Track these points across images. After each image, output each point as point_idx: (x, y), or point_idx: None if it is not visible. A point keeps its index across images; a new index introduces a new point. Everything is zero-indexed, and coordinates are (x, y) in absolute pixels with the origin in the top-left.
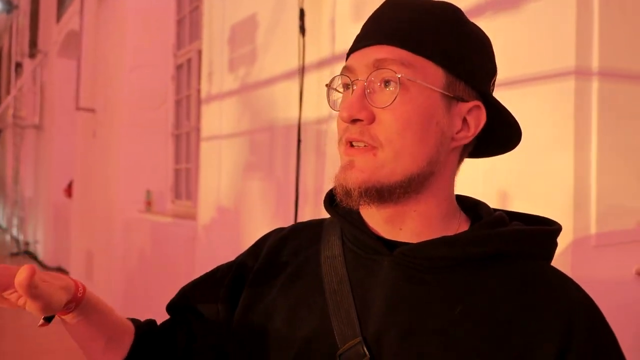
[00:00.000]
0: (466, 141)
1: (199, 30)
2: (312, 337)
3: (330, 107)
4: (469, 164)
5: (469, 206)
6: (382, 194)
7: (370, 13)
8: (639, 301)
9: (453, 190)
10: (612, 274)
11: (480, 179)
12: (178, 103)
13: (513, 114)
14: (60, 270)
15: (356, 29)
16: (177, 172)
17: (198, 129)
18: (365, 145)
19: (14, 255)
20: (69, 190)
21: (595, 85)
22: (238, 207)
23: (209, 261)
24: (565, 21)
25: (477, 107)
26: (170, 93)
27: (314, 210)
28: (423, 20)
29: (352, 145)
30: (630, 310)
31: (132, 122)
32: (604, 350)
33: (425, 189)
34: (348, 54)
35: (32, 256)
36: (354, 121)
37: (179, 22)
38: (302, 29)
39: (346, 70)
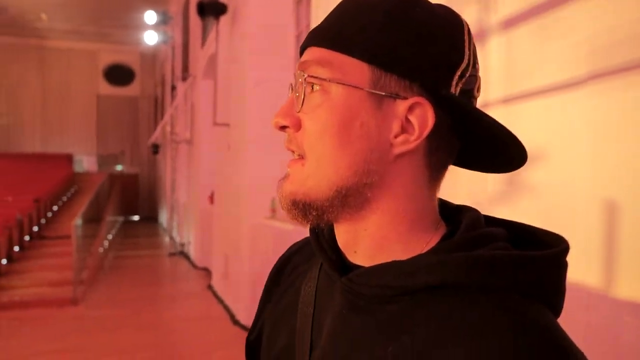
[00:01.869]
0: (410, 146)
1: None
2: (282, 355)
3: None
4: (570, 165)
5: (459, 220)
6: (315, 210)
7: None
8: None
9: (421, 204)
10: None
11: (582, 184)
12: None
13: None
14: (206, 270)
15: None
16: None
17: None
18: (297, 155)
19: (171, 255)
20: (212, 198)
21: None
22: None
23: None
24: None
25: (419, 104)
26: None
27: None
28: (350, 14)
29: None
30: None
31: (258, 134)
32: None
33: (369, 204)
34: None
35: (186, 256)
36: (283, 128)
37: (298, 37)
38: None
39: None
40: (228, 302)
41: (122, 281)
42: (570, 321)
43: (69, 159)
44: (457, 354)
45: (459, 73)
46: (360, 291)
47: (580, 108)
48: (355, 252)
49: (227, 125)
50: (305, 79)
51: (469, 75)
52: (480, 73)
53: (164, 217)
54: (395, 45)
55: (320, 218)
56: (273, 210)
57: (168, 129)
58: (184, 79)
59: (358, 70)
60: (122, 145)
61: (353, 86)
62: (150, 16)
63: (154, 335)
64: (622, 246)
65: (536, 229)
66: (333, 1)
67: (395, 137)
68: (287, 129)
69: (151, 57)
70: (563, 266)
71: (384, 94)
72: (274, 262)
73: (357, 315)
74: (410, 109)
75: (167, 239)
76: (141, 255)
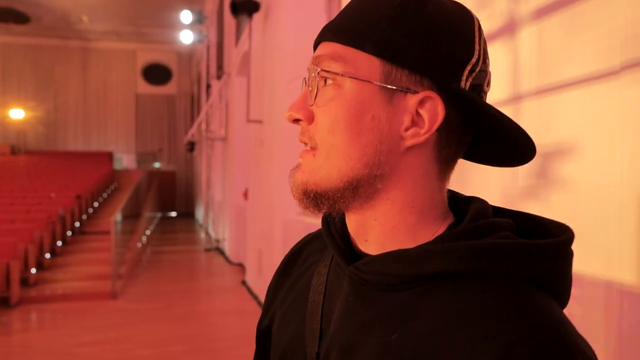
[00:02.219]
0: (420, 139)
1: None
2: (291, 344)
3: None
4: (602, 159)
5: (467, 211)
6: (326, 200)
7: None
8: None
9: (430, 197)
10: None
11: (615, 179)
12: None
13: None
14: (240, 265)
15: None
16: None
17: None
18: (309, 147)
19: (207, 250)
20: (246, 194)
21: None
22: None
23: None
24: None
25: (429, 98)
26: None
27: None
28: (364, 10)
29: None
30: None
31: (289, 130)
32: None
33: (379, 195)
34: None
35: (221, 252)
36: (296, 121)
37: None
38: None
39: (307, 72)
40: (262, 297)
41: (159, 276)
42: (604, 319)
43: (109, 156)
44: (460, 339)
45: (469, 68)
46: (366, 278)
47: (615, 99)
48: (366, 240)
49: (260, 122)
50: (318, 73)
51: (479, 70)
52: (511, 65)
53: (200, 213)
54: (406, 40)
55: (332, 207)
56: None
57: (203, 126)
58: (219, 77)
59: (370, 64)
60: (160, 143)
61: (365, 80)
62: (186, 15)
63: (190, 328)
64: None
65: (543, 219)
66: None
67: (406, 130)
68: (300, 122)
69: (187, 56)
70: (568, 255)
71: (395, 88)
72: None
73: (364, 302)
74: (421, 103)
75: (203, 235)
76: (178, 251)
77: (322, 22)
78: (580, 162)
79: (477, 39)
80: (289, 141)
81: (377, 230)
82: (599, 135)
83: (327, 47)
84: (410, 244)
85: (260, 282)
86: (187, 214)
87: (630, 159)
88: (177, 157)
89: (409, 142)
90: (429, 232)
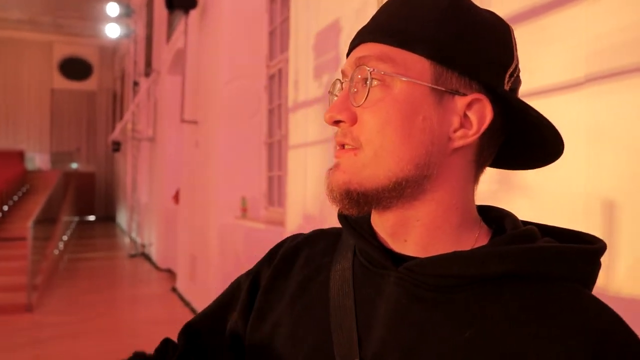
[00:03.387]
0: (468, 140)
1: (289, 40)
2: (313, 355)
3: None
4: (566, 166)
5: (494, 218)
6: (368, 199)
7: None
8: None
9: (468, 199)
10: None
11: (579, 184)
12: (271, 112)
13: (542, 112)
14: (169, 271)
15: None
16: (270, 180)
17: (287, 137)
18: (350, 147)
19: (132, 256)
20: (176, 197)
21: None
22: (323, 213)
23: None
24: None
25: (478, 100)
26: (264, 102)
27: None
28: (410, 11)
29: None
30: None
31: (229, 132)
32: None
33: (424, 195)
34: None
35: (147, 258)
36: (337, 122)
37: (271, 33)
38: None
39: (342, 74)
40: (195, 304)
41: (80, 285)
42: None
43: (20, 155)
44: (551, 330)
45: (509, 72)
46: (424, 281)
47: (579, 109)
48: (405, 240)
49: (195, 122)
50: (370, 73)
51: (517, 75)
52: None
53: (122, 217)
54: (456, 43)
55: (370, 206)
56: (244, 210)
57: (129, 126)
58: (147, 74)
59: (420, 66)
60: (78, 143)
61: (416, 82)
62: (112, 8)
63: (117, 342)
64: (620, 244)
65: (561, 228)
66: None
67: (454, 131)
68: (342, 124)
69: (110, 51)
70: (600, 262)
71: (444, 89)
72: (246, 262)
73: (421, 304)
74: (469, 105)
75: (126, 240)
76: (99, 257)
77: (263, 23)
78: (543, 169)
79: (514, 46)
80: (226, 143)
81: (419, 231)
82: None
83: (372, 48)
84: (454, 246)
85: (194, 288)
86: (107, 218)
87: (594, 167)
88: (96, 158)
89: (457, 144)
90: (471, 235)
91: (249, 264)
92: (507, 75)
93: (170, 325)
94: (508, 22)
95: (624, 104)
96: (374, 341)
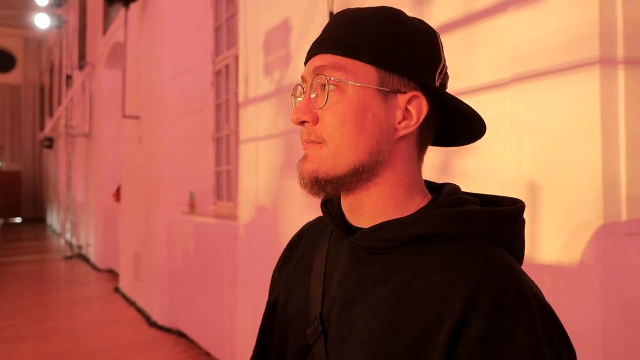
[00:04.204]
0: (410, 129)
1: (236, 36)
2: (296, 311)
3: None
4: (496, 153)
5: (441, 192)
6: (332, 184)
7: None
8: None
9: (413, 175)
10: None
11: (508, 169)
12: (218, 107)
13: (468, 103)
14: (111, 271)
15: None
16: (218, 174)
17: (237, 132)
18: (315, 142)
19: (68, 258)
20: (117, 195)
21: (621, 73)
22: (275, 205)
23: (250, 258)
24: (588, 11)
25: (416, 97)
26: (210, 98)
27: None
28: (355, 26)
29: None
30: None
31: (175, 127)
32: (506, 326)
33: (376, 177)
34: (305, 65)
35: (85, 259)
36: (302, 123)
37: (217, 30)
38: None
39: (302, 79)
40: (141, 303)
41: (14, 289)
42: None
43: None
44: (439, 281)
45: (439, 70)
46: (364, 245)
47: (505, 106)
48: (362, 215)
49: (137, 117)
50: (328, 81)
51: (445, 72)
52: None
53: (53, 218)
54: (395, 51)
55: (335, 190)
56: (192, 205)
57: (63, 121)
58: (81, 67)
59: (367, 72)
60: (1, 140)
61: (365, 85)
62: None
63: (59, 345)
64: (542, 219)
65: (501, 197)
66: None
67: (399, 123)
68: (306, 124)
69: (36, 43)
70: (521, 220)
71: (388, 90)
72: (196, 256)
73: (362, 265)
74: (409, 101)
75: (61, 242)
76: (32, 261)
77: (208, 19)
78: (478, 158)
79: (441, 48)
80: (172, 138)
81: (371, 207)
82: (494, 135)
83: (326, 59)
84: (399, 215)
85: (139, 287)
86: (36, 220)
87: (519, 154)
88: (22, 156)
89: (402, 133)
90: (413, 205)
91: (199, 259)
92: (437, 73)
93: (115, 325)
94: (443, 30)
95: (542, 101)
96: (329, 298)
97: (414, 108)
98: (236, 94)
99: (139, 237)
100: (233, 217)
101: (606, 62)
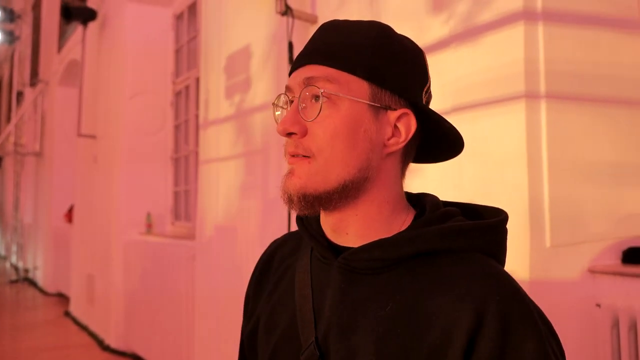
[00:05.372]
0: (399, 146)
1: (197, 58)
2: (284, 336)
3: (276, 123)
4: (440, 174)
5: (423, 204)
6: (320, 201)
7: None
8: (591, 296)
9: (397, 192)
10: (566, 271)
11: (450, 190)
12: (177, 128)
13: (452, 123)
14: (61, 295)
15: None
16: (176, 195)
17: (196, 153)
18: (302, 156)
19: (13, 282)
20: (69, 216)
21: (543, 106)
22: (235, 225)
23: (208, 279)
24: (515, 52)
25: (406, 114)
26: (169, 119)
27: None
28: (348, 39)
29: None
30: (583, 304)
31: (132, 147)
32: (517, 339)
33: (363, 194)
34: (289, 75)
35: (32, 283)
36: (289, 135)
37: (178, 51)
38: (291, 59)
39: (287, 89)
40: (94, 327)
41: None
42: None
43: None
44: (445, 299)
45: (425, 89)
46: (355, 266)
47: None
48: (347, 233)
49: (93, 137)
50: (322, 93)
51: (429, 92)
52: None
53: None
54: (388, 68)
55: (321, 207)
56: (149, 225)
57: (12, 139)
58: (33, 84)
59: (360, 86)
60: None
61: (358, 100)
62: None
63: None
64: None
65: (479, 206)
66: (224, 17)
67: (388, 139)
68: (293, 136)
69: None
70: (505, 231)
71: (379, 105)
72: (153, 277)
73: (356, 286)
74: (399, 118)
75: (6, 265)
76: None
77: (169, 40)
78: (424, 179)
79: (427, 67)
80: (130, 158)
81: (357, 224)
82: None
83: (319, 70)
84: (385, 233)
85: (92, 310)
86: None
87: (461, 177)
88: None
89: (390, 149)
90: (399, 221)
91: (157, 279)
92: (424, 92)
93: (64, 350)
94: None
95: (479, 129)
96: (324, 321)
97: (403, 125)
98: (196, 115)
99: (92, 259)
100: (191, 237)
101: (531, 96)
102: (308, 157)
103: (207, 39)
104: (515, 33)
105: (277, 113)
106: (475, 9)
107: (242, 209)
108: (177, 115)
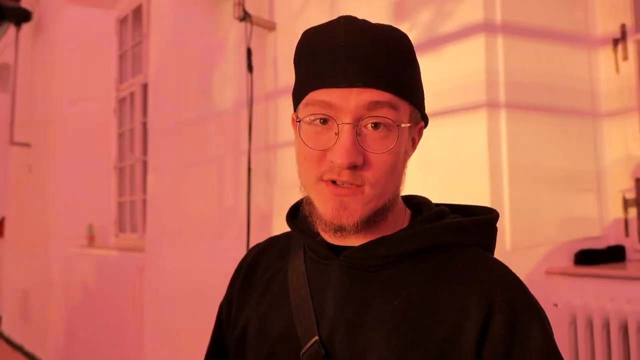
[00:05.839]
0: (410, 155)
1: (142, 64)
2: (280, 339)
3: (302, 141)
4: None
5: (415, 204)
6: (368, 224)
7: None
8: (549, 296)
9: (399, 195)
10: (525, 273)
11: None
12: (121, 136)
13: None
14: None
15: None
16: (120, 205)
17: (143, 161)
18: (352, 185)
19: None
20: (0, 228)
21: (503, 115)
22: (189, 236)
23: (158, 292)
24: (476, 62)
25: (422, 126)
26: (113, 126)
27: (266, 235)
28: (393, 56)
29: (334, 182)
30: (541, 304)
31: (71, 156)
32: (525, 325)
33: (393, 206)
34: (315, 86)
35: None
36: (353, 167)
37: (122, 56)
38: (250, 66)
39: (325, 106)
40: (30, 346)
41: None
42: None
43: None
44: (454, 287)
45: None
46: (359, 264)
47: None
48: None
49: (27, 145)
50: (399, 127)
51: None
52: None
53: None
54: (417, 85)
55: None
56: (91, 238)
57: None
58: None
59: (407, 109)
60: None
61: (408, 125)
62: None
63: None
64: None
65: (471, 205)
66: (175, 20)
67: (408, 152)
68: (355, 167)
69: None
70: (496, 227)
71: (414, 124)
72: (97, 292)
73: (359, 284)
74: (418, 130)
75: None
76: None
77: (112, 45)
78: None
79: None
80: (69, 167)
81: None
82: None
83: (382, 96)
84: (388, 232)
85: (28, 328)
86: None
87: (425, 184)
88: None
89: (408, 159)
90: (399, 220)
91: (101, 294)
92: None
93: None
94: None
95: (442, 137)
96: (327, 320)
97: (418, 136)
98: (142, 123)
99: (27, 274)
100: (138, 249)
101: (491, 105)
102: (360, 185)
103: (157, 42)
104: (477, 44)
105: (306, 129)
106: (438, 19)
107: (196, 219)
108: (121, 123)
